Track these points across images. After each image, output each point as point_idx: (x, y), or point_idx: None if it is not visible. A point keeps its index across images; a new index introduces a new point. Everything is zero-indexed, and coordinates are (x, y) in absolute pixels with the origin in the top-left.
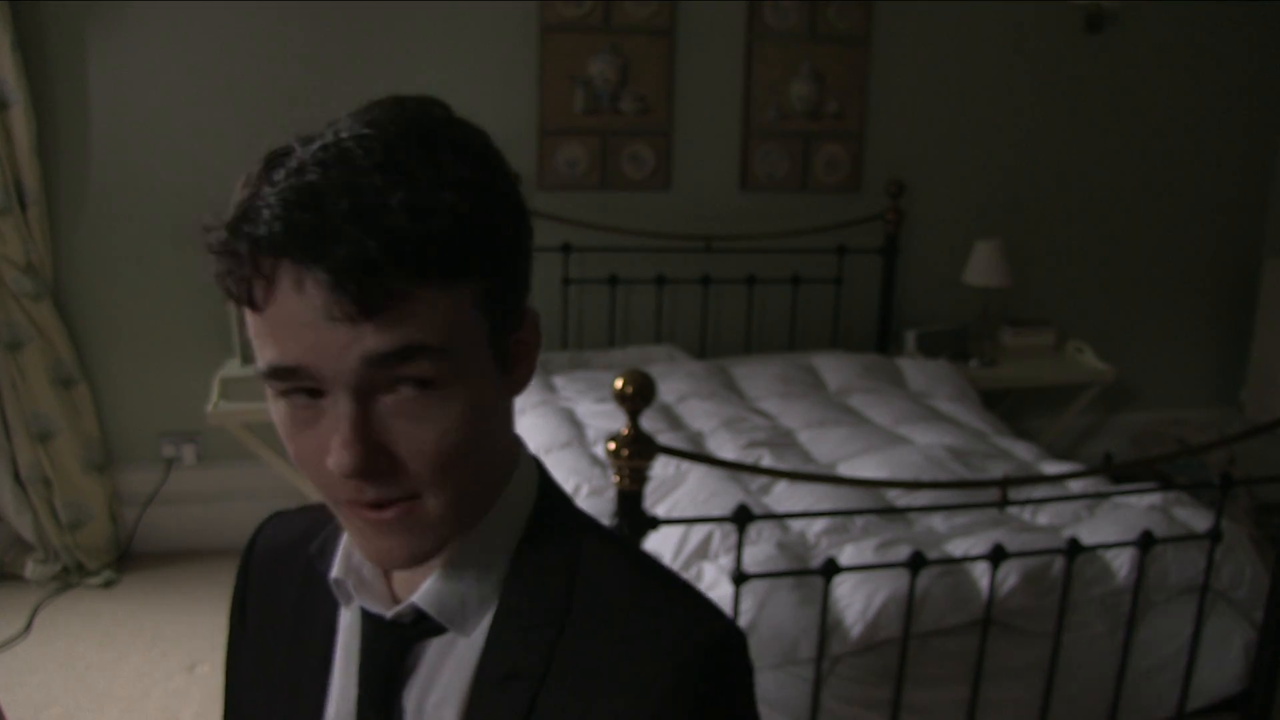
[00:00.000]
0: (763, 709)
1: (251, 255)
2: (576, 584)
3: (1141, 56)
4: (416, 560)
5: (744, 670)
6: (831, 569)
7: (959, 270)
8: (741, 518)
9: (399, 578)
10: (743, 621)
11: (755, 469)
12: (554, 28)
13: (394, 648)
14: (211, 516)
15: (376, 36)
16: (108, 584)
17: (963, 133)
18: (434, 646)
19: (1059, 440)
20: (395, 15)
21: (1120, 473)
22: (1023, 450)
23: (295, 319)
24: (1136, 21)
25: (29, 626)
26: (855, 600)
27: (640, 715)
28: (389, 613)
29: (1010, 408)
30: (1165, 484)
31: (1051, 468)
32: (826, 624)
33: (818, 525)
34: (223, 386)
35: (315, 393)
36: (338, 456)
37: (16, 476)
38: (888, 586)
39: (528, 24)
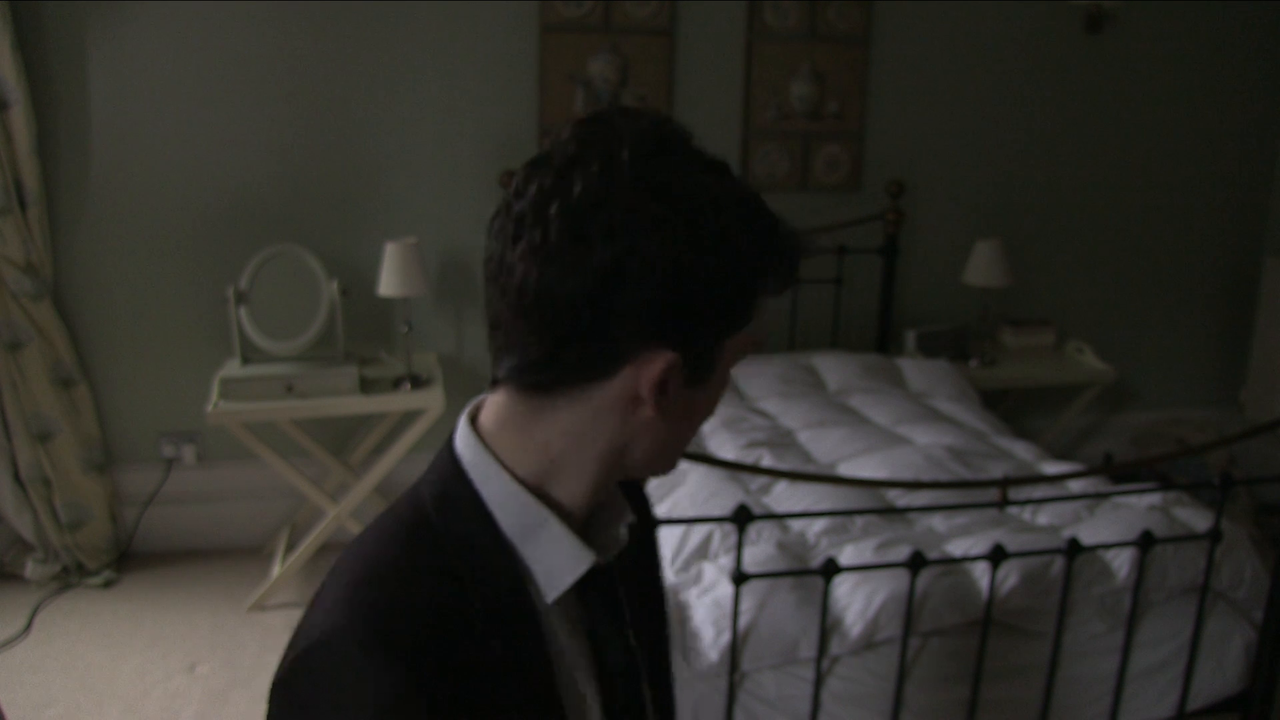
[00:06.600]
0: (763, 709)
1: (795, 263)
2: None
3: (1141, 56)
4: None
5: None
6: (831, 569)
7: (959, 270)
8: (741, 518)
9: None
10: (743, 621)
11: (755, 469)
12: (554, 28)
13: (611, 578)
14: (211, 516)
15: (377, 37)
16: (108, 584)
17: (963, 133)
18: (621, 558)
19: (1059, 440)
20: (395, 15)
21: (1120, 473)
22: (1023, 450)
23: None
24: (1136, 21)
25: (29, 626)
26: (855, 600)
27: None
28: (613, 552)
29: (1010, 408)
30: (1165, 484)
31: (1051, 468)
32: (826, 624)
33: (818, 525)
34: (222, 386)
35: None
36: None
37: (16, 476)
38: (887, 586)
39: (528, 24)
